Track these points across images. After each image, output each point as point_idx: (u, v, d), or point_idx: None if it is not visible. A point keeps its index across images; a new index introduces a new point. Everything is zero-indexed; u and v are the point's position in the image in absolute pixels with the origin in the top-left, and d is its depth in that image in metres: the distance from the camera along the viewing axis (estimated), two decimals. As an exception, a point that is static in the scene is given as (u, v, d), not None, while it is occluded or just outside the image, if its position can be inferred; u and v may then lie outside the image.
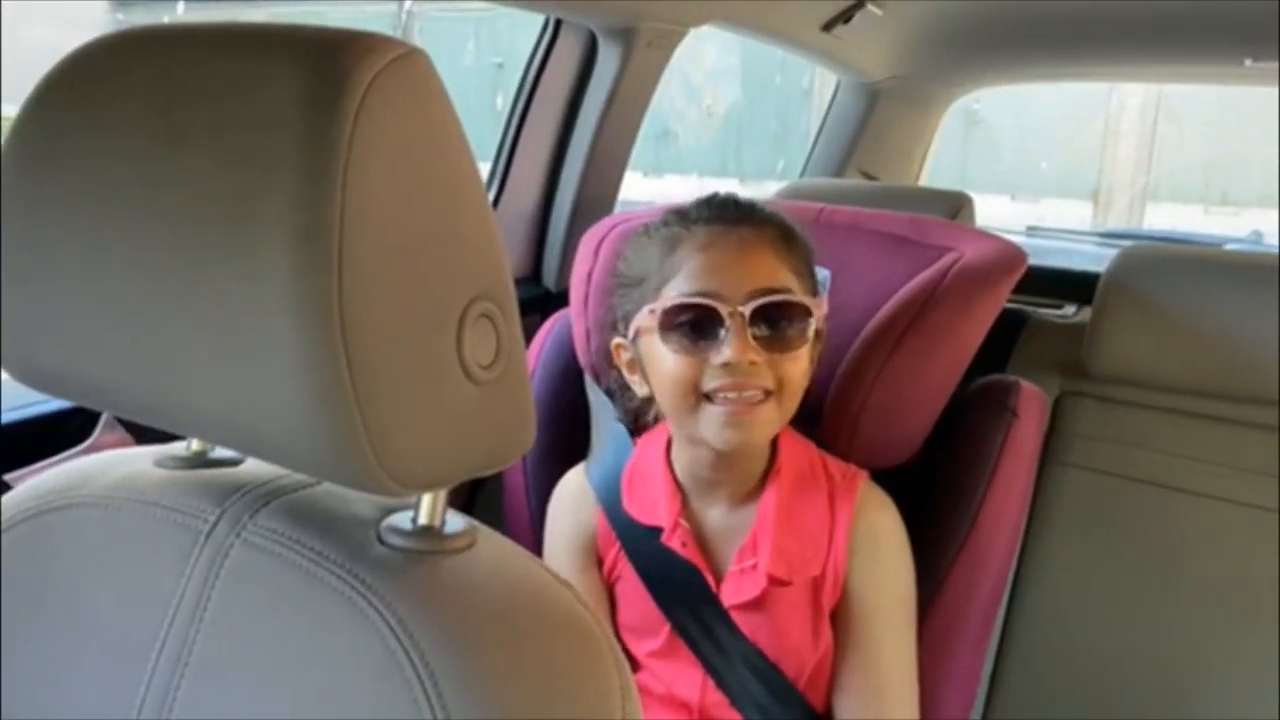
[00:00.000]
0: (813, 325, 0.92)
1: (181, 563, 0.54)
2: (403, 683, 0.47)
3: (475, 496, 1.47)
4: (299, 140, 0.43)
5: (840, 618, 0.95)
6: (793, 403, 0.93)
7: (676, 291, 0.90)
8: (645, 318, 0.92)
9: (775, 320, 0.89)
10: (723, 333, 0.88)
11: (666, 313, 0.90)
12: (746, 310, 0.88)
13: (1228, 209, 7.05)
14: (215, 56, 0.47)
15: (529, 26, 1.57)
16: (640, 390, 0.98)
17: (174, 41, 0.49)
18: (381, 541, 0.52)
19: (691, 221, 0.94)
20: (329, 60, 0.44)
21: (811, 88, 7.49)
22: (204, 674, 0.52)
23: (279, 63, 0.45)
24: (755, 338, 0.88)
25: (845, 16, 1.73)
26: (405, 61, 0.46)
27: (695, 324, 0.89)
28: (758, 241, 0.92)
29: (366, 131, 0.43)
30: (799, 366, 0.91)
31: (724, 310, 0.88)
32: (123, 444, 1.04)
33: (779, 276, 0.91)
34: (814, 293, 0.95)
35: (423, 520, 0.53)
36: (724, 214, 0.94)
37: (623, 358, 0.99)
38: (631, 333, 0.95)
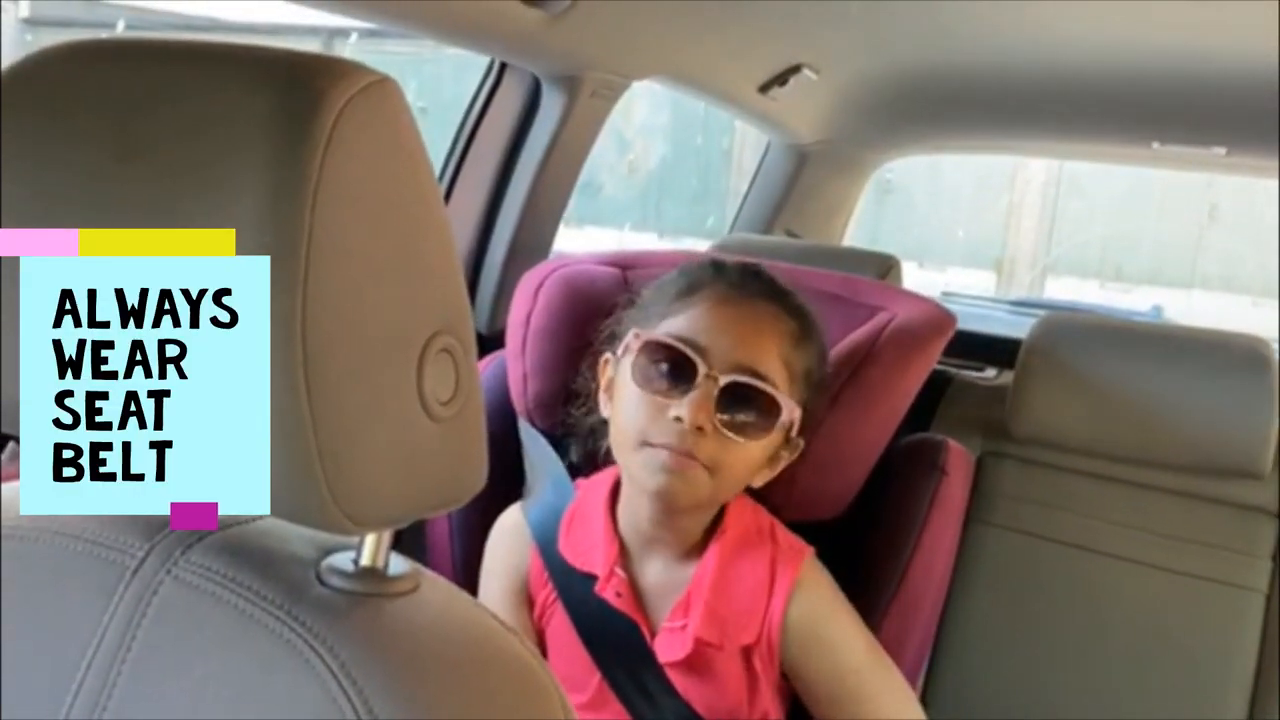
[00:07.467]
0: (779, 426, 0.90)
1: (104, 600, 0.50)
2: None
3: (396, 540, 1.43)
4: (267, 161, 0.42)
5: (806, 696, 0.93)
6: (730, 489, 0.92)
7: (669, 330, 0.90)
8: (631, 339, 0.92)
9: (744, 402, 0.88)
10: (690, 389, 0.87)
11: (648, 344, 0.90)
12: (723, 379, 0.87)
13: (1120, 285, 7.37)
14: (178, 70, 0.46)
15: (454, 73, 1.57)
16: (604, 410, 0.97)
17: (134, 53, 0.47)
18: (322, 582, 0.50)
19: (723, 278, 0.93)
20: (301, 81, 0.43)
21: (731, 150, 7.63)
22: None
23: (247, 80, 0.44)
24: (718, 407, 0.87)
25: (781, 79, 1.77)
26: (378, 88, 0.45)
27: (669, 367, 0.88)
28: (773, 327, 0.91)
29: (338, 156, 0.42)
30: (744, 457, 0.90)
31: (702, 369, 0.87)
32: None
33: (771, 365, 0.89)
34: (802, 400, 0.93)
35: (365, 561, 0.51)
36: (755, 287, 0.93)
37: (605, 374, 0.97)
38: (620, 350, 0.94)
